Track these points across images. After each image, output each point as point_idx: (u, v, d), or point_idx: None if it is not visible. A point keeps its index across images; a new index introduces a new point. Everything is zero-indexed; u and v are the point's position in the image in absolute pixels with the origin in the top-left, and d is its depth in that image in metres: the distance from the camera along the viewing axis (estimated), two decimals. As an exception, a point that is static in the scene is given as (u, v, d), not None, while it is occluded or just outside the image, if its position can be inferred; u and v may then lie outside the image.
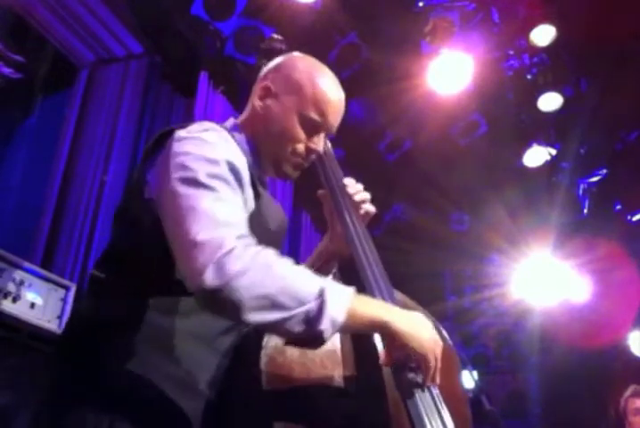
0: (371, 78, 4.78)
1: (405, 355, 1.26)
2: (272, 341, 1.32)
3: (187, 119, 4.00)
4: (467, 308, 6.92)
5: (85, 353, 1.28)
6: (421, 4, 4.78)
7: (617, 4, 4.54)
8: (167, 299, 1.32)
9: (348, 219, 1.56)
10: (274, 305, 1.15)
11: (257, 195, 1.39)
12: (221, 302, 1.15)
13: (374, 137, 5.58)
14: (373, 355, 1.32)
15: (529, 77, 5.27)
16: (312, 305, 1.16)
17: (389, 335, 1.24)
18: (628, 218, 6.29)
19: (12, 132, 3.83)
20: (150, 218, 1.31)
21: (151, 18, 3.98)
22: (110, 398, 1.23)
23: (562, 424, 5.94)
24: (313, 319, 1.16)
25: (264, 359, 1.29)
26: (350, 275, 1.48)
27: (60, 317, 2.56)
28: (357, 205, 1.60)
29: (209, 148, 1.32)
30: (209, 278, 1.13)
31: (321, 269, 1.60)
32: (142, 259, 1.34)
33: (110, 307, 1.32)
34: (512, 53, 5.22)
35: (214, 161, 1.29)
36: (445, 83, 4.89)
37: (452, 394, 1.35)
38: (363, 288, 1.43)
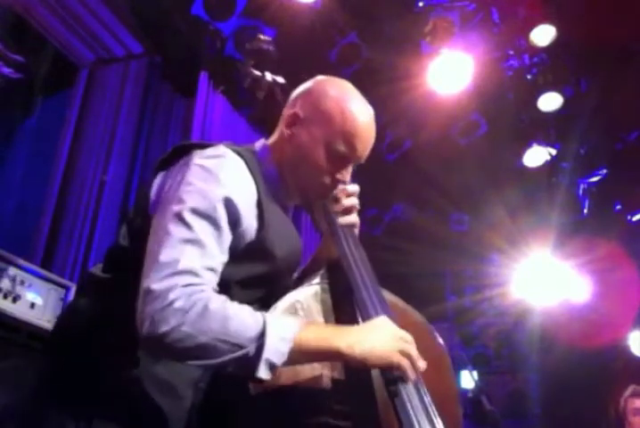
0: (371, 77, 4.77)
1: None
2: None
3: (187, 119, 4.01)
4: (467, 308, 6.91)
5: (72, 352, 1.29)
6: (421, 4, 4.78)
7: (617, 4, 4.54)
8: None
9: (335, 220, 1.55)
10: (211, 352, 1.17)
11: (262, 225, 1.37)
12: (157, 349, 1.22)
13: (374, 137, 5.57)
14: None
15: (529, 77, 5.26)
16: (249, 349, 1.17)
17: (347, 361, 1.25)
18: (628, 218, 6.29)
19: (12, 132, 3.83)
20: (146, 230, 1.33)
21: (151, 18, 3.98)
22: (95, 397, 1.24)
23: (562, 424, 5.94)
24: (249, 364, 1.17)
25: None
26: (338, 275, 1.48)
27: (60, 316, 2.56)
28: (342, 211, 1.58)
29: (212, 181, 1.31)
30: (146, 329, 1.16)
31: (310, 270, 1.60)
32: (140, 262, 1.34)
33: (102, 307, 1.33)
34: (512, 53, 5.22)
35: (208, 197, 1.29)
36: (445, 83, 4.89)
37: (441, 393, 1.36)
38: (350, 288, 1.43)
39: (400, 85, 4.88)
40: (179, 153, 1.40)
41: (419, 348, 1.33)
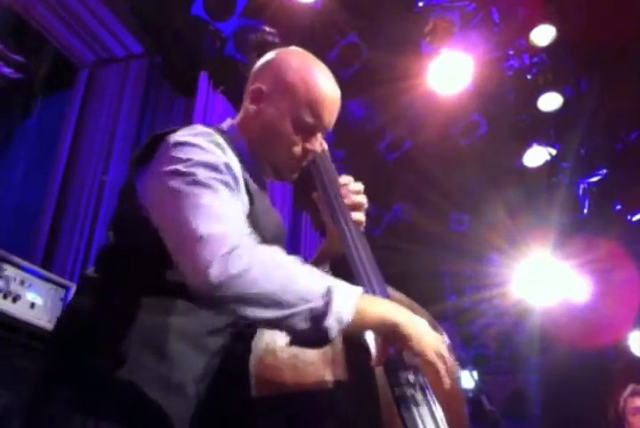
0: (371, 78, 4.77)
1: (397, 352, 1.26)
2: (262, 343, 1.31)
3: (187, 119, 4.00)
4: (467, 308, 6.91)
5: (73, 352, 1.28)
6: (421, 4, 4.78)
7: (616, 4, 4.54)
8: (158, 299, 1.32)
9: (341, 219, 1.54)
10: (276, 302, 1.14)
11: (251, 202, 1.37)
12: (223, 298, 1.14)
13: (374, 137, 5.58)
14: (364, 356, 1.32)
15: (529, 77, 5.27)
16: (317, 303, 1.15)
17: (395, 336, 1.23)
18: (628, 218, 6.29)
19: (12, 132, 3.83)
20: (141, 223, 1.31)
21: (151, 18, 3.98)
22: (97, 397, 1.23)
23: (562, 424, 5.94)
24: (318, 317, 1.15)
25: (253, 361, 1.28)
26: (343, 274, 1.48)
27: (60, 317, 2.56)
28: (351, 207, 1.57)
29: (204, 153, 1.30)
30: (213, 274, 1.12)
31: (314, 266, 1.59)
32: (134, 260, 1.34)
33: (101, 306, 1.32)
34: (512, 53, 5.22)
35: (211, 166, 1.28)
36: (445, 83, 4.89)
37: (448, 394, 1.35)
38: (355, 284, 1.43)
39: (400, 85, 4.88)
40: (156, 143, 1.37)
41: None
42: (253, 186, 1.41)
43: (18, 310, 2.39)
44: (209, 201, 1.21)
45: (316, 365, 1.31)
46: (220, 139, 1.37)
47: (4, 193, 3.66)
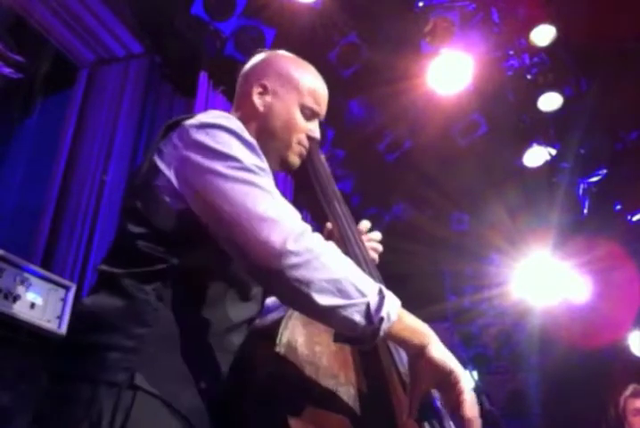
0: (371, 78, 4.77)
1: (432, 383, 1.24)
2: (284, 338, 1.31)
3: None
4: (467, 308, 6.91)
5: (88, 349, 1.26)
6: (421, 4, 4.78)
7: (617, 5, 4.54)
8: (178, 293, 1.31)
9: (340, 216, 1.57)
10: (340, 291, 1.17)
11: None
12: (293, 280, 1.16)
13: (374, 137, 5.58)
14: (378, 367, 1.33)
15: (528, 77, 5.27)
16: (374, 298, 1.19)
17: (425, 351, 1.22)
18: (628, 218, 6.29)
19: (12, 132, 3.83)
20: (170, 210, 1.30)
21: (151, 18, 3.98)
22: (114, 397, 1.20)
23: (562, 424, 5.94)
24: (373, 311, 1.18)
25: (275, 357, 1.28)
26: None
27: (60, 317, 2.55)
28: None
29: (240, 138, 1.33)
30: (291, 252, 1.15)
31: None
32: (164, 253, 1.31)
33: (118, 302, 1.29)
34: (512, 53, 5.22)
35: (254, 151, 1.33)
36: (445, 83, 4.89)
37: None
38: None
39: (400, 85, 4.88)
40: (174, 128, 1.38)
41: None
42: None
43: (18, 310, 2.39)
44: (263, 185, 1.26)
45: (333, 365, 1.31)
46: (240, 124, 1.39)
47: (3, 193, 3.66)
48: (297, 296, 1.19)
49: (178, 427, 1.23)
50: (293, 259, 1.16)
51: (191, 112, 4.03)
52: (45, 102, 3.97)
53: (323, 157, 1.71)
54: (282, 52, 1.70)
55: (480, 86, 5.02)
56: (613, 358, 6.06)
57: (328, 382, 1.29)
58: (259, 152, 1.34)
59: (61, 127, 3.85)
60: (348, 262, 1.23)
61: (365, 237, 1.67)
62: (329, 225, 1.67)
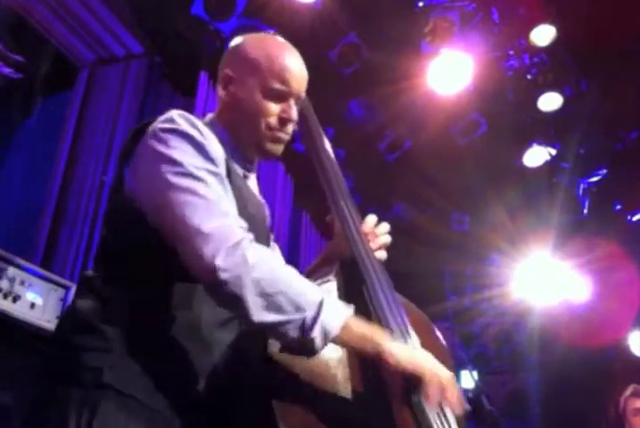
0: (371, 77, 4.77)
1: (406, 379, 1.24)
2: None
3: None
4: (467, 308, 6.91)
5: (74, 351, 1.27)
6: (421, 4, 4.78)
7: (617, 4, 4.54)
8: (159, 293, 1.32)
9: (347, 217, 1.56)
10: (274, 306, 1.16)
11: (233, 188, 1.38)
12: (226, 294, 1.16)
13: (374, 137, 5.57)
14: (377, 367, 1.31)
15: (528, 77, 5.26)
16: (311, 313, 1.17)
17: (381, 358, 1.21)
18: (628, 218, 6.29)
19: (11, 132, 3.82)
20: (135, 216, 1.32)
21: (151, 18, 3.98)
22: (98, 397, 1.21)
23: (562, 424, 5.93)
24: (307, 327, 1.16)
25: (269, 355, 1.27)
26: (352, 274, 1.48)
27: (60, 317, 2.56)
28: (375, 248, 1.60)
29: (190, 141, 1.32)
30: (219, 268, 1.14)
31: (322, 270, 1.60)
32: (131, 254, 1.34)
33: (101, 305, 1.31)
34: (512, 53, 5.22)
35: (204, 153, 1.31)
36: (445, 83, 4.89)
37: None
38: (364, 286, 1.43)
39: (400, 85, 4.88)
40: (140, 134, 1.39)
41: (423, 346, 1.33)
42: (234, 171, 1.42)
43: (18, 310, 2.39)
44: (203, 194, 1.24)
45: (330, 363, 1.30)
46: (201, 124, 1.38)
47: (4, 192, 3.66)
48: (232, 310, 1.21)
49: (153, 423, 1.23)
50: (222, 275, 1.15)
51: (190, 112, 4.03)
52: (45, 102, 3.96)
53: (330, 151, 1.66)
54: (252, 35, 1.60)
55: (480, 85, 5.02)
56: (613, 358, 6.06)
57: (326, 381, 1.28)
58: (209, 151, 1.32)
59: (61, 127, 3.85)
60: (286, 273, 1.20)
61: (371, 233, 1.63)
62: (329, 218, 1.65)
